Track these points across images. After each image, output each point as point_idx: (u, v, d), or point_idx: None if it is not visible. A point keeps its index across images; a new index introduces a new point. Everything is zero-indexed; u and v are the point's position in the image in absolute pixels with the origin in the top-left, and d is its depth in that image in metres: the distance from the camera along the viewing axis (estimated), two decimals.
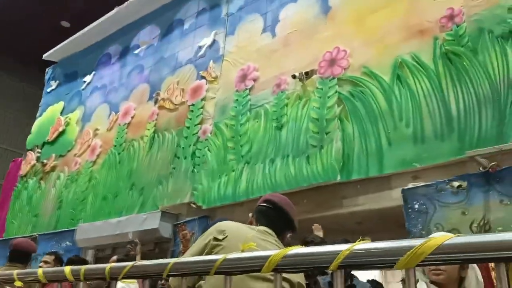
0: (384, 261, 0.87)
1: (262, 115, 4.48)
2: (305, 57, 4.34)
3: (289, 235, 1.90)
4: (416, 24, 3.71)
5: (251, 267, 1.09)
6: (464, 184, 3.03)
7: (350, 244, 0.91)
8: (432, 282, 1.84)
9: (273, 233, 1.81)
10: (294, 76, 4.27)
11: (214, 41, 5.53)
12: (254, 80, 4.73)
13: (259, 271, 1.03)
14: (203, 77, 5.36)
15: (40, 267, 3.60)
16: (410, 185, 3.29)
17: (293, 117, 4.20)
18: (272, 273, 1.03)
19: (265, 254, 1.03)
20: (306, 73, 4.19)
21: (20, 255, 3.37)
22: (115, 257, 3.92)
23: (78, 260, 4.00)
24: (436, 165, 3.29)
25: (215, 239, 1.72)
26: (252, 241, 1.60)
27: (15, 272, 1.79)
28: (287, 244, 1.82)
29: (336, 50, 4.15)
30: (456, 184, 3.06)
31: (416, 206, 3.18)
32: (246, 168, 4.34)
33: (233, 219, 3.92)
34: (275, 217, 1.88)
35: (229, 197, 4.35)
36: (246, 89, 4.75)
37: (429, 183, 3.19)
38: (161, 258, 1.33)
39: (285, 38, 4.65)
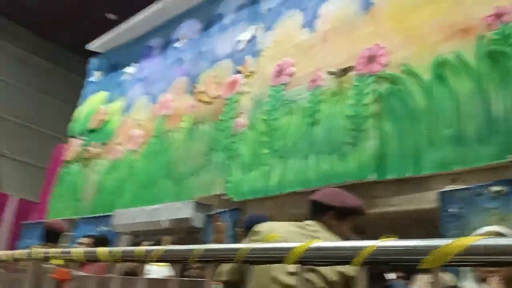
0: (408, 260, 0.86)
1: (296, 110, 4.47)
2: (343, 53, 4.30)
3: (330, 215, 1.91)
4: (459, 22, 3.59)
5: (274, 258, 1.11)
6: (504, 189, 2.92)
7: (375, 241, 0.90)
8: (485, 280, 1.77)
9: (317, 224, 1.87)
10: (331, 73, 4.23)
11: (252, 36, 5.55)
12: (290, 75, 4.73)
13: (281, 262, 1.05)
14: (240, 72, 5.41)
15: None
16: (448, 188, 3.20)
17: (327, 113, 4.17)
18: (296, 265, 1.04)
19: (288, 245, 1.05)
20: (344, 69, 4.15)
21: (52, 235, 3.60)
22: (146, 243, 4.05)
23: (105, 240, 4.20)
24: (476, 168, 3.18)
25: (251, 241, 1.78)
26: (282, 235, 1.63)
27: (55, 250, 1.88)
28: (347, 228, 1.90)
29: (375, 47, 4.08)
30: (495, 189, 2.95)
31: (453, 209, 3.10)
32: (279, 163, 4.36)
33: (263, 213, 3.93)
34: (311, 210, 1.96)
35: (261, 191, 4.38)
36: (282, 84, 4.76)
37: (467, 186, 3.09)
38: None
39: (323, 34, 4.61)
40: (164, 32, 7.34)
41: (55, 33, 12.59)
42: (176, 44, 6.93)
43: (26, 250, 1.87)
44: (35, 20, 12.27)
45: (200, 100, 5.82)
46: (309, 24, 4.84)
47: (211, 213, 4.83)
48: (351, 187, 3.76)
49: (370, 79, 3.98)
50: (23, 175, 12.06)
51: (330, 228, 1.86)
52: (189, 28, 6.84)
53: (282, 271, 1.64)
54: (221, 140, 5.16)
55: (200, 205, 4.92)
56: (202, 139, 5.46)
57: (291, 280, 1.63)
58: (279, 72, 4.86)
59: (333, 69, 4.23)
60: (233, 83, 5.43)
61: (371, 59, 4.06)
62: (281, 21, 5.23)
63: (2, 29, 12.31)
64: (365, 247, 0.90)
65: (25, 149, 12.27)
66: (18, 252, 1.93)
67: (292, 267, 1.62)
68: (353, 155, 3.80)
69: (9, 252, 1.99)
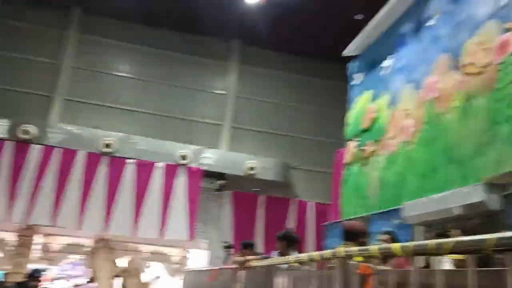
0: None
1: None
2: None
3: None
4: None
5: None
6: None
7: None
8: None
9: None
10: None
11: None
12: None
13: None
14: (510, 29, 4.68)
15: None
16: None
17: None
18: None
19: None
20: None
21: (349, 235, 4.02)
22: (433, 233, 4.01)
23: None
24: None
25: None
26: None
27: (354, 248, 2.10)
28: None
29: None
30: None
31: None
32: None
33: None
34: None
35: None
36: None
37: None
38: (492, 231, 1.30)
39: None
40: (414, 14, 7.06)
41: (308, 49, 13.81)
42: (429, 22, 6.55)
43: (331, 250, 2.16)
44: (285, 42, 13.71)
45: (468, 73, 5.32)
46: None
47: (508, 192, 4.32)
48: None
49: None
50: (313, 182, 13.64)
51: None
52: (439, 1, 6.38)
53: None
54: (503, 110, 4.56)
55: (493, 186, 4.48)
56: (480, 114, 4.96)
57: None
58: None
59: None
60: (504, 45, 4.74)
61: None
62: None
63: (263, 59, 14.26)
64: None
65: (311, 159, 13.86)
66: (324, 252, 2.24)
67: None
68: None
69: (318, 253, 2.33)
